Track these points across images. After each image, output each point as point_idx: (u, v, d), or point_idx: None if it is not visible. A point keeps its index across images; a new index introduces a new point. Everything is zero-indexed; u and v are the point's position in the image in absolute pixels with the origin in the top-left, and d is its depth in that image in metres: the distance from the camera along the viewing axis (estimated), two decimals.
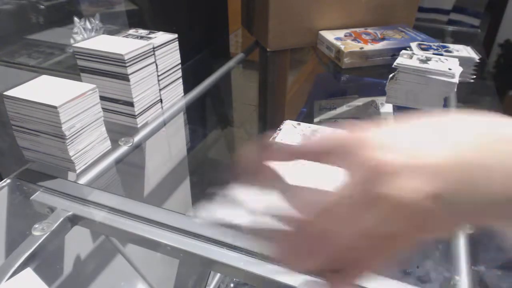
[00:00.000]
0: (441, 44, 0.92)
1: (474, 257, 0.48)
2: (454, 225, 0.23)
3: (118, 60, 0.62)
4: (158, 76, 0.71)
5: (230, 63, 1.05)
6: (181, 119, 0.80)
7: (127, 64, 0.62)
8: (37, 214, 0.54)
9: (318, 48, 1.09)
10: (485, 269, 0.48)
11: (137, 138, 0.69)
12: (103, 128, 0.60)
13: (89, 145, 0.58)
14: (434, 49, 0.88)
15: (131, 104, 0.66)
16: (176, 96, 0.79)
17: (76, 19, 0.87)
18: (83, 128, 0.56)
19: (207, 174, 0.87)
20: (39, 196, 0.54)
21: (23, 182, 0.57)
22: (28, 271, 0.43)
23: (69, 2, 0.87)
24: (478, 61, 0.85)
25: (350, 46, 0.97)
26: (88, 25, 0.88)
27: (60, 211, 0.52)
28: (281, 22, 1.05)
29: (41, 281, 0.41)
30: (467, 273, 0.45)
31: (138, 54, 0.65)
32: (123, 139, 0.67)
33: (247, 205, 0.22)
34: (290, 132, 0.69)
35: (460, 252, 0.47)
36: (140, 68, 0.66)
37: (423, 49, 0.88)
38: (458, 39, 1.16)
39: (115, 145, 0.64)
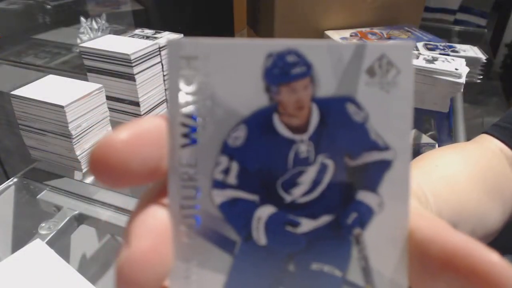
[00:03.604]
0: (447, 44, 0.92)
1: None
2: None
3: (124, 60, 0.63)
4: (164, 76, 0.71)
5: None
6: None
7: (133, 64, 0.63)
8: (43, 213, 0.54)
9: None
10: None
11: None
12: (109, 128, 0.60)
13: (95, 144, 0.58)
14: (441, 49, 0.88)
15: (137, 103, 0.67)
16: None
17: (82, 19, 0.88)
18: (89, 128, 0.56)
19: None
20: (45, 195, 0.55)
21: (30, 181, 0.57)
22: (38, 242, 0.43)
23: (75, 2, 0.87)
24: (485, 61, 0.85)
25: None
26: (95, 25, 0.88)
27: (66, 210, 0.52)
28: (286, 22, 1.05)
29: (52, 250, 0.42)
30: None
31: (144, 54, 0.65)
32: None
33: None
34: None
35: None
36: (146, 68, 0.66)
37: (429, 49, 0.88)
38: (465, 39, 1.15)
39: None
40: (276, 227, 0.14)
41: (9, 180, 0.57)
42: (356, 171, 0.13)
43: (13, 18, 0.77)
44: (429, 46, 0.90)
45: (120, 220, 0.51)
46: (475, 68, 0.84)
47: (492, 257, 0.12)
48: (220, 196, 0.13)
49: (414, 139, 0.91)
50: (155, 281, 0.11)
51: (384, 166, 0.13)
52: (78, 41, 0.87)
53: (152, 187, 0.13)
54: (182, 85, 0.13)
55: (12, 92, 0.54)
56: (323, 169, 0.13)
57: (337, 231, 0.14)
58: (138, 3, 0.96)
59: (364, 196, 0.13)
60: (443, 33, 1.11)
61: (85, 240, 0.64)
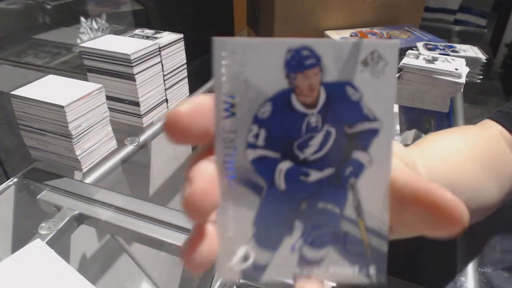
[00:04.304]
0: (447, 44, 0.92)
1: (480, 259, 0.47)
2: None
3: (124, 60, 0.63)
4: (164, 76, 0.71)
5: None
6: None
7: (133, 64, 0.63)
8: (43, 213, 0.54)
9: None
10: (491, 271, 0.48)
11: (142, 138, 0.69)
12: (109, 128, 0.60)
13: (95, 144, 0.58)
14: (441, 49, 0.88)
15: (137, 103, 0.67)
16: (181, 96, 0.79)
17: (82, 19, 0.88)
18: (89, 128, 0.56)
19: None
20: (45, 195, 0.55)
21: (30, 181, 0.57)
22: (38, 242, 0.43)
23: (75, 2, 0.87)
24: (485, 61, 0.85)
25: None
26: (95, 25, 0.88)
27: (66, 210, 0.52)
28: (286, 22, 1.05)
29: (52, 250, 0.42)
30: (473, 274, 0.44)
31: (144, 54, 0.65)
32: (129, 138, 0.68)
33: None
34: None
35: (467, 254, 0.47)
36: (146, 68, 0.66)
37: (429, 49, 0.88)
38: (465, 39, 1.15)
39: (121, 144, 0.64)
40: (293, 177, 0.18)
41: (9, 180, 0.57)
42: (352, 136, 0.18)
43: (13, 18, 0.77)
44: (429, 46, 0.90)
45: (120, 220, 0.51)
46: (475, 68, 0.84)
47: (447, 195, 0.17)
48: (252, 154, 0.18)
49: (414, 139, 0.91)
50: (208, 211, 0.16)
51: (373, 133, 0.18)
52: (78, 41, 0.87)
53: (202, 146, 0.18)
54: (224, 72, 0.17)
55: (12, 92, 0.54)
56: (327, 135, 0.18)
57: (337, 180, 0.18)
58: (138, 3, 0.96)
59: (357, 155, 0.18)
60: (443, 33, 1.11)
61: (85, 240, 0.64)
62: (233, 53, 0.17)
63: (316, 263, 0.19)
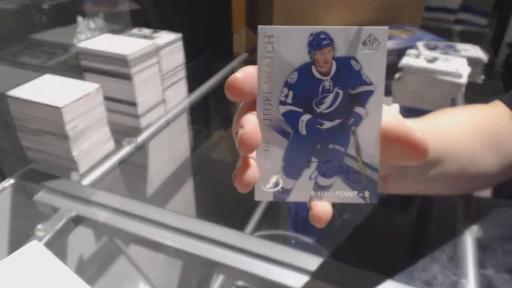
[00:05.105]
0: (448, 43, 0.91)
1: (481, 261, 0.47)
2: None
3: (122, 60, 0.62)
4: (162, 76, 0.71)
5: (234, 63, 1.05)
6: (184, 119, 0.80)
7: (130, 64, 0.62)
8: (40, 214, 0.54)
9: None
10: (492, 273, 0.47)
11: (140, 139, 0.68)
12: (107, 128, 0.60)
13: (92, 145, 0.57)
14: (441, 49, 0.87)
15: (134, 104, 0.66)
16: (179, 96, 0.78)
17: (79, 18, 0.87)
18: (86, 128, 0.56)
19: (210, 175, 0.87)
20: (42, 196, 0.54)
21: (26, 182, 0.56)
22: (35, 243, 0.43)
23: (72, 2, 0.87)
24: (486, 61, 0.84)
25: None
26: (92, 25, 0.87)
27: (63, 212, 0.51)
28: (285, 22, 1.04)
29: (49, 251, 0.41)
30: (474, 276, 0.44)
31: (142, 54, 0.64)
32: (126, 139, 0.67)
33: None
34: None
35: (468, 255, 0.47)
36: (144, 68, 0.65)
37: (430, 49, 0.87)
38: (466, 38, 1.15)
39: (118, 145, 0.64)
40: (311, 125, 0.24)
41: (5, 181, 0.57)
42: (354, 96, 0.24)
43: (9, 17, 0.76)
44: (429, 46, 0.89)
45: (118, 221, 0.50)
46: (476, 68, 0.84)
47: (417, 133, 0.25)
48: (283, 109, 0.24)
49: None
50: (254, 147, 0.23)
51: (369, 93, 0.24)
52: (75, 41, 0.86)
53: (247, 104, 0.25)
54: (264, 50, 0.23)
55: (8, 93, 0.54)
56: (337, 95, 0.24)
57: (343, 128, 0.25)
58: (136, 3, 0.96)
59: (358, 109, 0.24)
60: (444, 32, 1.11)
61: (83, 242, 0.64)
62: (271, 36, 0.23)
63: (327, 188, 0.25)
